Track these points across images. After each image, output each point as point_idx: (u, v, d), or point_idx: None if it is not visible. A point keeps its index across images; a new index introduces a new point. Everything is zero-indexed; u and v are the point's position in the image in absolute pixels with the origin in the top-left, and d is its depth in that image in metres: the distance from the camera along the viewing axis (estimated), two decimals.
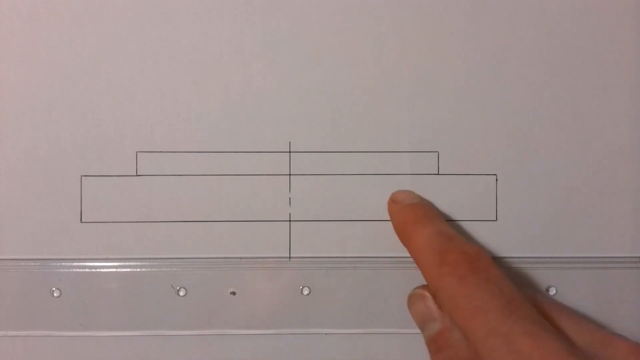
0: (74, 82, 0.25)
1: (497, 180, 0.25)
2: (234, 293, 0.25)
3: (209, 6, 0.25)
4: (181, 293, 0.25)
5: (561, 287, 0.25)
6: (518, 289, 0.19)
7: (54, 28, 0.24)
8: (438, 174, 0.25)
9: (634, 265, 0.25)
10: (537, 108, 0.25)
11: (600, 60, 0.25)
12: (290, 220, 0.25)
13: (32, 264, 0.25)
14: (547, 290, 0.25)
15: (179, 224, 0.25)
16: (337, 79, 0.25)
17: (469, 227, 0.25)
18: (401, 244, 0.23)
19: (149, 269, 0.25)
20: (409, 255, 0.24)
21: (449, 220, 0.25)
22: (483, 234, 0.25)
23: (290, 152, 0.25)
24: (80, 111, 0.25)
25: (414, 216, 0.23)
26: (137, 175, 0.25)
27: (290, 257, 0.25)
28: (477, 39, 0.25)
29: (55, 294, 0.25)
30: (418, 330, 0.23)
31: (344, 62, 0.25)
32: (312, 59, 0.25)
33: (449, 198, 0.25)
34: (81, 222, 0.25)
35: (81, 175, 0.25)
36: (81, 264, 0.25)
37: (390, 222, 0.25)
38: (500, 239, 0.25)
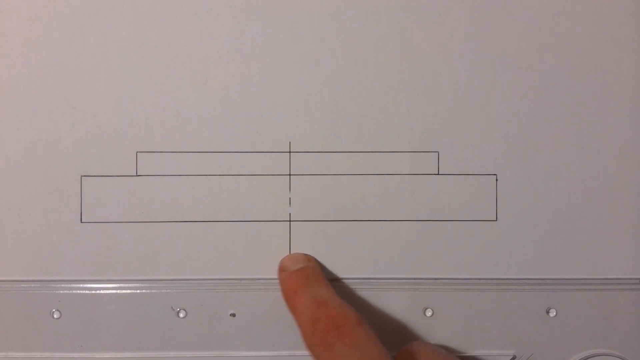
0: (74, 82, 0.25)
1: (497, 180, 0.25)
2: (234, 315, 0.25)
3: (209, 6, 0.25)
4: (181, 315, 0.25)
5: (561, 309, 0.25)
6: (382, 348, 0.20)
7: (54, 28, 0.24)
8: (438, 174, 0.25)
9: (634, 287, 0.25)
10: (537, 108, 0.25)
11: (600, 60, 0.25)
12: (290, 220, 0.25)
13: (33, 285, 0.25)
14: (547, 312, 0.25)
15: (179, 224, 0.25)
16: (337, 79, 0.25)
17: (468, 227, 0.25)
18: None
19: (149, 291, 0.25)
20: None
21: (449, 220, 0.25)
22: (483, 234, 0.25)
23: (290, 152, 0.25)
24: (80, 111, 0.25)
25: (295, 284, 0.23)
26: (137, 175, 0.25)
27: None
28: (477, 39, 0.25)
29: (55, 316, 0.25)
30: None
31: (344, 62, 0.25)
32: (312, 59, 0.25)
33: (449, 198, 0.25)
34: (81, 222, 0.25)
35: (81, 175, 0.25)
36: (81, 285, 0.25)
37: (392, 223, 0.25)
38: (500, 239, 0.25)
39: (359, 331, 0.21)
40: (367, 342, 0.20)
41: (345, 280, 0.25)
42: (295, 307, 0.23)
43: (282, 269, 0.24)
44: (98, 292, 0.25)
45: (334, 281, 0.25)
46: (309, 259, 0.24)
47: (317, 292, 0.22)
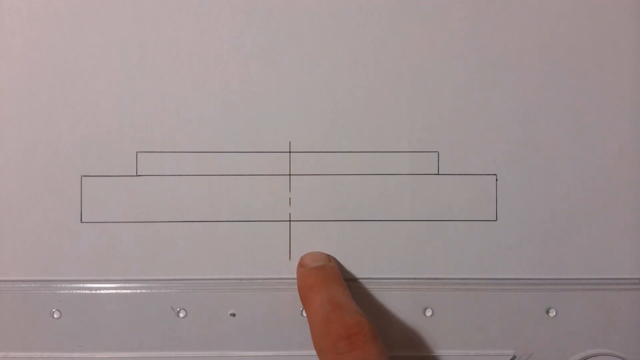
0: (74, 82, 0.25)
1: (497, 180, 0.25)
2: (233, 315, 0.25)
3: (209, 6, 0.25)
4: (181, 314, 0.25)
5: (561, 309, 0.25)
6: None
7: (54, 28, 0.24)
8: (438, 174, 0.25)
9: (634, 287, 0.25)
10: (537, 108, 0.25)
11: (600, 60, 0.25)
12: (290, 220, 0.25)
13: (33, 285, 0.25)
14: (547, 312, 0.25)
15: (179, 224, 0.25)
16: (337, 79, 0.25)
17: (469, 227, 0.25)
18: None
19: (149, 290, 0.25)
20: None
21: (449, 220, 0.25)
22: (483, 234, 0.25)
23: (290, 152, 0.25)
24: (80, 111, 0.25)
25: (312, 281, 0.23)
26: (137, 175, 0.25)
27: (290, 257, 0.25)
28: (477, 39, 0.25)
29: (55, 315, 0.25)
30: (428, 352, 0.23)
31: (344, 62, 0.25)
32: (312, 59, 0.25)
33: (449, 198, 0.25)
34: (81, 222, 0.25)
35: (81, 175, 0.25)
36: (81, 285, 0.25)
37: (392, 223, 0.25)
38: (500, 238, 0.25)
39: (372, 347, 0.20)
40: (380, 358, 0.20)
41: (345, 281, 0.25)
42: (310, 304, 0.22)
43: (301, 265, 0.24)
44: (98, 292, 0.25)
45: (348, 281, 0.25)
46: (329, 258, 0.24)
47: (334, 293, 0.22)
